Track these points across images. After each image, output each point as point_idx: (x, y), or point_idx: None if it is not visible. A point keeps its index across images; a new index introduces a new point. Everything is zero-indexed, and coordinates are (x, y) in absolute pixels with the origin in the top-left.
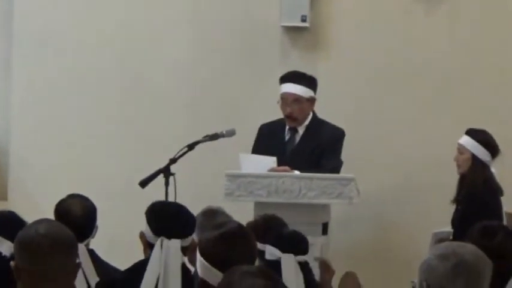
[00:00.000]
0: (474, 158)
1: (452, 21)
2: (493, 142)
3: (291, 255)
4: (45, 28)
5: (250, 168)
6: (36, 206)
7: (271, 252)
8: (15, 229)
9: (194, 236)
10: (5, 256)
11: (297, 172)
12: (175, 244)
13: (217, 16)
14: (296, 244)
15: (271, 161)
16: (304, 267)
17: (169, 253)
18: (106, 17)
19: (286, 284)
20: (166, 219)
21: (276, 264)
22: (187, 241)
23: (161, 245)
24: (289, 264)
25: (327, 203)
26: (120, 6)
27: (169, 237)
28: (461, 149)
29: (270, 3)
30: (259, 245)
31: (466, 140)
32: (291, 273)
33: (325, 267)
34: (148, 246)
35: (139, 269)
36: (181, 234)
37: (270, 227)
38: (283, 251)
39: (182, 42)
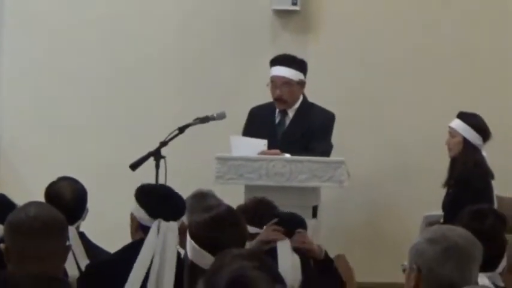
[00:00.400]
0: (465, 141)
1: (444, 3)
2: (484, 126)
3: (287, 240)
4: (34, 9)
5: (241, 151)
6: (26, 189)
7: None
8: (5, 212)
9: (184, 219)
10: None
11: (287, 155)
12: (173, 226)
13: (208, 0)
14: (293, 227)
15: (261, 143)
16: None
17: (167, 235)
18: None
19: (281, 268)
20: (162, 201)
21: (272, 249)
22: (179, 223)
23: (158, 227)
24: (284, 249)
25: (317, 186)
26: None
27: (167, 219)
28: (452, 133)
29: None
30: (250, 228)
31: (458, 124)
32: (287, 257)
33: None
34: (141, 229)
35: (129, 251)
36: (176, 216)
37: (260, 210)
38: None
39: (172, 25)
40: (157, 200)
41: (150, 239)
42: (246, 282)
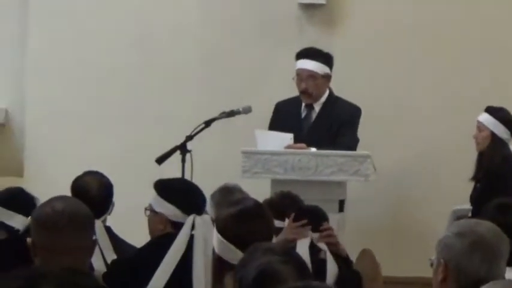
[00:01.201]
0: (493, 135)
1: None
2: None
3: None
4: (59, 8)
5: (267, 145)
6: (52, 183)
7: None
8: (25, 204)
9: (210, 213)
10: (18, 230)
11: (313, 149)
12: (207, 219)
13: None
14: (316, 221)
15: (287, 137)
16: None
17: (206, 228)
18: None
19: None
20: (190, 196)
21: None
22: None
23: (193, 222)
24: (303, 247)
25: (343, 180)
26: None
27: (199, 213)
28: (480, 127)
29: None
30: (276, 222)
31: (486, 118)
32: (304, 252)
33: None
34: (171, 225)
35: (156, 247)
36: (204, 208)
37: (286, 204)
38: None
39: (198, 20)
40: (186, 196)
41: (184, 233)
42: (273, 276)
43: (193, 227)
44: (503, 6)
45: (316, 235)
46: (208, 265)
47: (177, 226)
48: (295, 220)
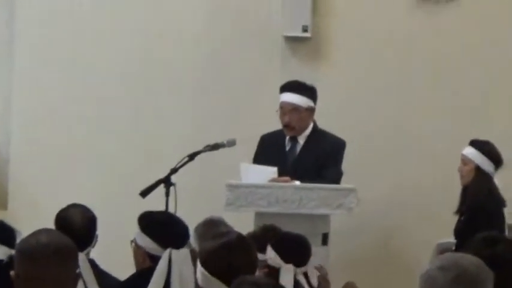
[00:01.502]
0: (478, 169)
1: (455, 25)
2: (496, 153)
3: (291, 266)
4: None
5: (251, 179)
6: (36, 216)
7: (273, 259)
8: (5, 235)
9: (194, 246)
10: (1, 260)
11: (297, 182)
12: (185, 252)
13: (219, 25)
14: (298, 255)
15: (272, 171)
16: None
17: (182, 263)
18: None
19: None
20: (169, 229)
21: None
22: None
23: (169, 256)
24: (288, 275)
25: (326, 214)
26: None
27: (177, 247)
28: (465, 160)
29: (272, 13)
30: (259, 255)
31: (470, 151)
32: (288, 283)
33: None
34: (149, 258)
35: (139, 280)
36: (184, 242)
37: (269, 238)
38: (286, 261)
39: (184, 52)
40: (164, 229)
41: (161, 268)
42: None
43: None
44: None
45: (299, 270)
46: None
47: (155, 260)
48: (275, 249)
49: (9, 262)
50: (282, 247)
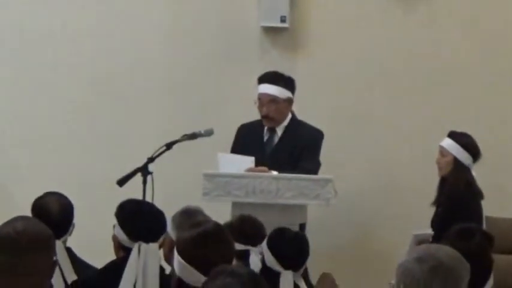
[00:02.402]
0: (456, 161)
1: (431, 19)
2: (475, 145)
3: (290, 272)
4: (18, 16)
5: (228, 168)
6: (12, 203)
7: (271, 263)
8: None
9: (172, 235)
10: None
11: (275, 172)
12: (154, 248)
13: (196, 16)
14: (297, 262)
15: (249, 161)
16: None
17: (148, 257)
18: (85, 12)
19: None
20: (141, 223)
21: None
22: (160, 240)
23: (138, 250)
24: (288, 280)
25: (304, 204)
26: (100, 2)
27: (147, 241)
28: (443, 152)
29: (249, 4)
30: (236, 245)
31: (449, 143)
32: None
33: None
34: (122, 249)
35: (114, 269)
36: (156, 237)
37: (246, 228)
38: (285, 267)
39: (160, 42)
40: (137, 222)
41: (132, 261)
42: None
43: None
44: (474, 27)
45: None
46: None
47: (128, 251)
48: (273, 252)
49: None
50: (281, 252)
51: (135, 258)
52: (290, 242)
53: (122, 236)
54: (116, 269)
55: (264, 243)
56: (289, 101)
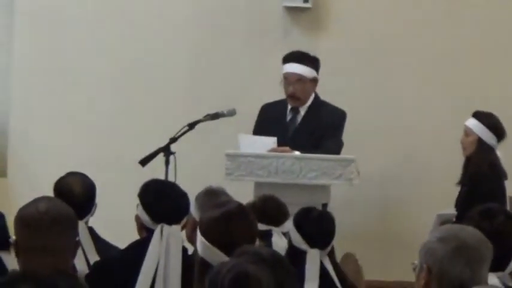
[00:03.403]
0: (480, 141)
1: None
2: (499, 125)
3: (317, 251)
4: (42, 7)
5: (250, 149)
6: (35, 183)
7: (298, 242)
8: None
9: (195, 215)
10: None
11: (297, 153)
12: (176, 230)
13: None
14: (324, 240)
15: (271, 141)
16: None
17: (170, 239)
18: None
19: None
20: (164, 205)
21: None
22: (184, 221)
23: (161, 231)
24: (314, 259)
25: (326, 184)
26: None
27: (169, 223)
28: (467, 131)
29: None
30: (259, 225)
31: (473, 123)
32: (315, 266)
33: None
34: (145, 230)
35: (137, 249)
36: (179, 219)
37: (268, 208)
38: (312, 245)
39: (183, 23)
40: (160, 204)
41: (154, 243)
42: (245, 278)
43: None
44: (496, 10)
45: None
46: (172, 276)
47: (151, 232)
48: (300, 231)
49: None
50: (308, 231)
51: (157, 239)
52: (316, 221)
53: (145, 217)
54: (138, 249)
55: (290, 222)
56: (315, 81)
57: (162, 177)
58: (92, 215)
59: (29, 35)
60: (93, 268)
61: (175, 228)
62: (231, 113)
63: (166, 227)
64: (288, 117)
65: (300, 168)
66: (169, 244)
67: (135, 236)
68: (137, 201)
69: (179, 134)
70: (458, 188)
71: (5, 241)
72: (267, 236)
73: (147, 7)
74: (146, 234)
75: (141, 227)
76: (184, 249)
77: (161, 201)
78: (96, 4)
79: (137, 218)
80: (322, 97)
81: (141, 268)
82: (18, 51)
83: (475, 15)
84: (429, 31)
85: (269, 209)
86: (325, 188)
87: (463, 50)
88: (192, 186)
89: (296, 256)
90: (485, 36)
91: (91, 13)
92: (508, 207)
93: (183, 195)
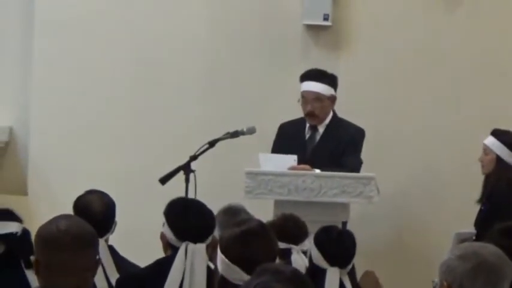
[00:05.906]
0: (499, 159)
1: (471, 16)
2: None
3: (337, 269)
4: (62, 14)
5: (270, 167)
6: (56, 201)
7: (318, 260)
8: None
9: (215, 233)
10: (16, 233)
11: (317, 171)
12: (201, 248)
13: (238, 14)
14: (344, 259)
15: (291, 159)
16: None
17: (195, 257)
18: (125, 6)
19: None
20: (189, 223)
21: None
22: (209, 240)
23: (185, 249)
24: (334, 277)
25: (346, 202)
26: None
27: (194, 241)
28: (486, 150)
29: (292, 2)
30: (279, 244)
31: (492, 141)
32: (335, 284)
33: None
34: (170, 247)
35: (160, 266)
36: (204, 238)
37: (288, 226)
38: (332, 264)
39: (203, 40)
40: (185, 222)
41: (178, 261)
42: None
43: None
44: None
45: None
46: None
47: (175, 250)
48: (320, 249)
49: (22, 235)
50: (328, 249)
51: (181, 258)
52: (337, 239)
53: (170, 235)
54: (163, 267)
55: (310, 240)
56: (333, 99)
57: (181, 194)
58: (111, 233)
59: (48, 53)
60: (116, 285)
61: (200, 246)
62: (251, 131)
63: (191, 245)
64: (307, 135)
65: (320, 186)
66: (194, 262)
67: (155, 254)
68: (157, 218)
69: (199, 152)
70: (477, 206)
71: (29, 259)
72: (286, 254)
73: (164, 25)
74: (171, 252)
75: (167, 245)
76: (209, 269)
77: (186, 219)
78: (115, 15)
79: (162, 236)
80: (342, 115)
81: (165, 286)
82: (37, 70)
83: (494, 31)
84: (449, 47)
85: (289, 227)
86: (345, 206)
87: (483, 67)
88: (211, 205)
89: (316, 274)
90: (505, 51)
91: (108, 33)
92: None
93: (209, 214)
